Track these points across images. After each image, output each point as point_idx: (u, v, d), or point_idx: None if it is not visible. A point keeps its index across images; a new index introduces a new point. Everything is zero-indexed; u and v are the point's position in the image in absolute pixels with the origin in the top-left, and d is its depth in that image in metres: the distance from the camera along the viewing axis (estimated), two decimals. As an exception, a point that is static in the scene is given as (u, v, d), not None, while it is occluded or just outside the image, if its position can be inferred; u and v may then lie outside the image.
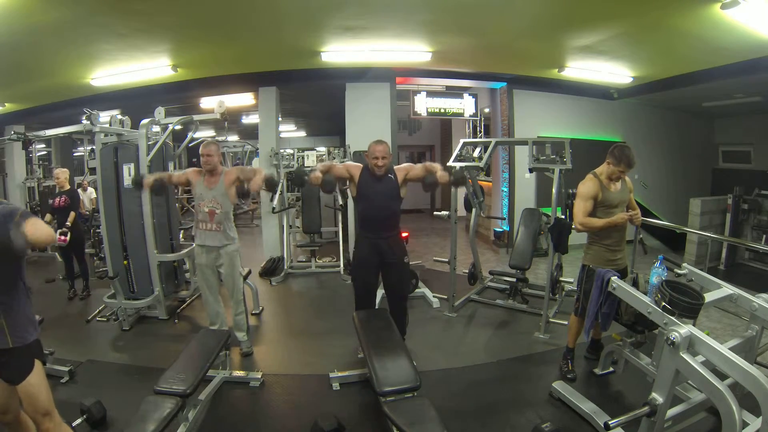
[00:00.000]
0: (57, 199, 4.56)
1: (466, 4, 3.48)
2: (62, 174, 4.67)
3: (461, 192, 4.30)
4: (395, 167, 2.97)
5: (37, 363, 1.76)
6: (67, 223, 4.43)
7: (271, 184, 3.21)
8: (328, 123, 10.16)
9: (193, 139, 4.84)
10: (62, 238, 4.33)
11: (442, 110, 6.84)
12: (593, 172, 2.84)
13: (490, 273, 4.70)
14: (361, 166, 2.97)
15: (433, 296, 4.41)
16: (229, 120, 5.22)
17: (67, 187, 4.64)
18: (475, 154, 4.25)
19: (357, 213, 3.47)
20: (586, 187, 2.79)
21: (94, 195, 6.05)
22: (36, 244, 1.55)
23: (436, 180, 2.78)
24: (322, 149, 6.18)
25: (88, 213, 5.65)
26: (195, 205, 3.25)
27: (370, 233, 2.97)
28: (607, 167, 2.76)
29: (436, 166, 2.86)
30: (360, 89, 5.92)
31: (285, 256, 5.60)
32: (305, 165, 5.82)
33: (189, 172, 3.28)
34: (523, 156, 5.57)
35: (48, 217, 4.75)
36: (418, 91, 6.58)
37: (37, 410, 1.74)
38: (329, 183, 2.85)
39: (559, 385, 2.68)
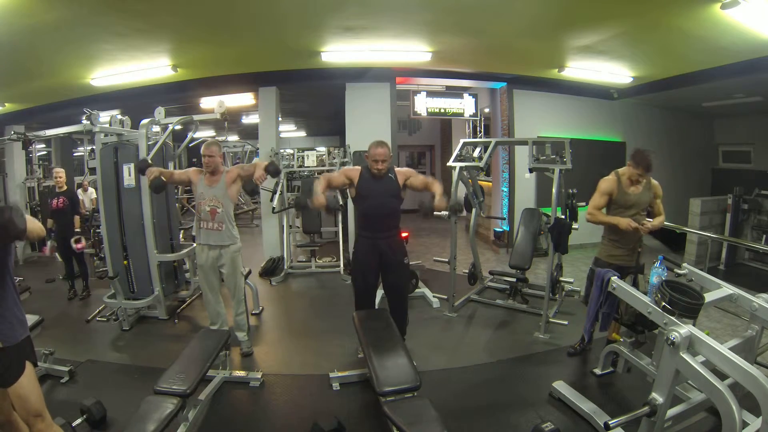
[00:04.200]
0: (55, 200, 4.55)
1: (466, 4, 3.48)
2: (61, 173, 4.66)
3: (461, 191, 4.29)
4: (396, 169, 2.97)
5: (28, 364, 1.73)
6: (77, 229, 4.43)
7: (272, 170, 3.18)
8: (328, 123, 10.16)
9: (193, 139, 4.84)
10: (79, 246, 4.33)
11: (442, 110, 6.84)
12: (616, 171, 2.99)
13: (490, 273, 4.69)
14: (359, 168, 2.97)
15: (433, 296, 4.41)
16: (229, 120, 5.20)
17: (65, 187, 4.64)
18: (475, 154, 4.25)
19: (357, 213, 3.46)
20: (605, 182, 2.96)
21: (94, 195, 6.05)
22: (32, 233, 1.59)
23: (433, 209, 2.83)
24: (322, 149, 6.18)
25: (88, 213, 5.64)
26: (196, 205, 3.26)
27: (370, 233, 2.97)
28: (629, 169, 2.88)
29: (437, 189, 2.86)
30: (360, 89, 5.92)
31: (285, 256, 5.60)
32: (305, 165, 5.83)
33: (190, 171, 3.29)
34: (523, 156, 5.58)
35: (50, 222, 4.74)
36: (418, 91, 6.58)
37: (28, 412, 1.72)
38: (332, 208, 2.84)
39: (559, 385, 2.68)
